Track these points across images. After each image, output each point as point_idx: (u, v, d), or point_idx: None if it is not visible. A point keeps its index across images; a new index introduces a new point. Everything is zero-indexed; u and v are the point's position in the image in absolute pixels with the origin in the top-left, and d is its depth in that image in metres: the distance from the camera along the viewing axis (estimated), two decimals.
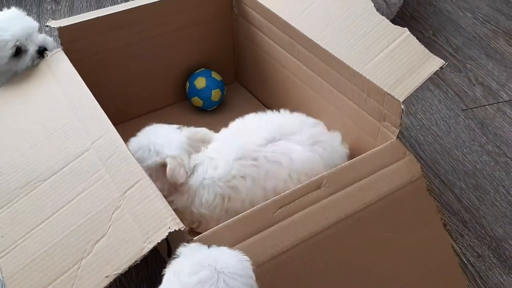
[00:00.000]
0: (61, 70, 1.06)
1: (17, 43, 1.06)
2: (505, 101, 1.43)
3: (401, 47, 0.98)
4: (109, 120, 0.93)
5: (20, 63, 1.08)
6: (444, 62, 0.94)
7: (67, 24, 1.12)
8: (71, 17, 1.16)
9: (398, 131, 0.95)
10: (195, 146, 1.04)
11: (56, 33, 1.12)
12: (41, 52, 1.09)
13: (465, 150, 1.29)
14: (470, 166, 1.24)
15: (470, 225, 1.11)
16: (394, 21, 1.65)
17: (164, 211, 0.78)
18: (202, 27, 1.30)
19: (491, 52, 1.60)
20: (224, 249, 0.70)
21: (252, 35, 1.28)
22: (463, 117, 1.38)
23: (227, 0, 1.30)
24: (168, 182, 1.00)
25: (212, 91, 1.29)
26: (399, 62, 0.96)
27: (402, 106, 0.91)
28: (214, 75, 1.32)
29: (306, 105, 1.18)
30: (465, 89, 1.47)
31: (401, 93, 0.92)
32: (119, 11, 1.17)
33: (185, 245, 0.70)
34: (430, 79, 1.43)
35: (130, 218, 0.79)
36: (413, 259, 0.91)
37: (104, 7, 1.78)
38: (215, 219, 1.01)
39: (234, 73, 1.44)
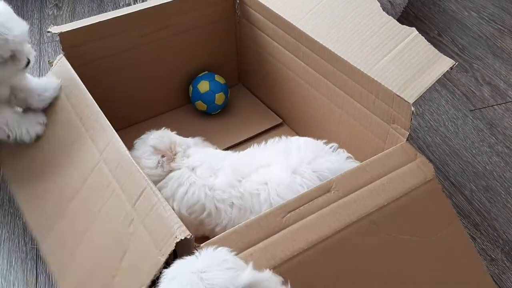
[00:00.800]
0: (64, 77, 1.05)
1: (13, 49, 0.92)
2: None
3: (410, 47, 0.96)
4: (111, 127, 0.92)
5: (5, 71, 0.94)
6: (454, 62, 0.92)
7: (69, 29, 1.10)
8: (72, 22, 1.14)
9: (408, 133, 0.93)
10: None
11: (57, 38, 1.10)
12: (27, 65, 0.97)
13: (474, 151, 1.26)
14: (480, 168, 1.22)
15: (482, 228, 1.09)
16: (399, 21, 1.63)
17: (169, 219, 0.77)
18: (204, 29, 1.29)
19: (497, 51, 1.58)
20: (198, 252, 0.68)
21: (255, 37, 1.26)
22: (471, 117, 1.36)
23: (230, 2, 1.28)
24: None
25: (216, 94, 1.28)
26: (408, 63, 0.94)
27: (412, 108, 0.90)
28: (218, 78, 1.30)
29: (312, 108, 1.17)
30: (472, 89, 1.45)
31: (411, 95, 0.90)
32: (120, 16, 1.16)
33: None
34: (436, 79, 1.41)
35: (143, 230, 0.79)
36: (434, 261, 0.89)
37: (106, 11, 1.77)
38: (190, 226, 0.98)
39: (237, 75, 1.42)
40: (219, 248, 0.68)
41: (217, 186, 0.96)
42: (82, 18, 1.72)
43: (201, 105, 1.29)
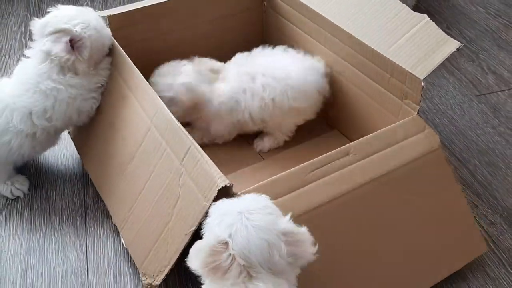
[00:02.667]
0: (114, 54, 1.18)
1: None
2: None
3: (421, 31, 1.08)
4: (159, 98, 1.04)
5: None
6: (461, 44, 1.03)
7: (116, 12, 1.22)
8: (119, 7, 1.26)
9: (419, 107, 1.05)
10: (206, 75, 1.22)
11: None
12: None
13: (478, 131, 1.38)
14: (483, 146, 1.34)
15: (483, 197, 1.21)
16: None
17: (211, 171, 0.88)
18: (234, 18, 1.40)
19: (502, 43, 1.70)
20: (243, 196, 0.81)
21: (281, 25, 1.38)
22: (476, 102, 1.48)
23: None
24: (182, 109, 1.19)
25: None
26: (419, 45, 1.06)
27: (423, 83, 1.02)
28: None
29: (333, 88, 1.28)
30: (478, 77, 1.57)
31: (421, 72, 1.03)
32: (159, 3, 1.27)
33: (214, 204, 0.81)
34: (445, 67, 1.54)
35: (191, 181, 0.91)
36: (433, 220, 1.01)
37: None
38: (226, 135, 1.25)
39: None
40: (261, 195, 0.81)
41: (228, 87, 1.22)
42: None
43: None
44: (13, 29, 1.80)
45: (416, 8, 1.79)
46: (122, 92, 1.12)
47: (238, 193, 0.87)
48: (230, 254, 0.72)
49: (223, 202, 0.80)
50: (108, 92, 1.16)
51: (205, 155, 0.91)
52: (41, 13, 1.88)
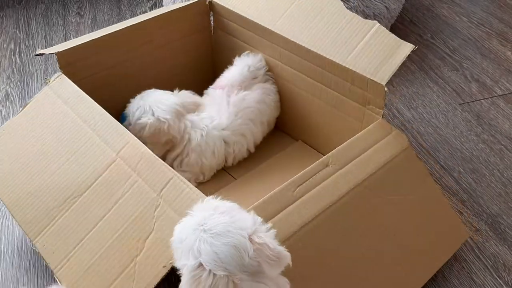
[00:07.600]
0: (66, 92, 1.11)
1: None
2: (499, 95, 1.54)
3: (375, 37, 1.07)
4: (128, 131, 0.99)
5: None
6: (415, 46, 1.03)
7: (64, 48, 1.16)
8: (67, 41, 1.21)
9: (383, 112, 1.05)
10: (188, 108, 1.21)
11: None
12: None
13: (462, 139, 1.40)
14: (467, 153, 1.35)
15: (468, 204, 1.21)
16: (394, 25, 1.78)
17: (200, 200, 0.82)
18: (182, 41, 1.35)
19: (485, 52, 1.72)
20: (191, 210, 0.77)
21: (231, 44, 1.34)
22: (460, 110, 1.50)
23: (205, 15, 1.35)
24: (159, 142, 1.16)
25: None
26: (375, 51, 1.06)
27: (386, 89, 1.01)
28: None
29: (292, 102, 1.27)
30: (462, 85, 1.58)
31: (382, 77, 1.02)
32: (109, 33, 1.21)
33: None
34: (429, 77, 1.56)
35: (172, 212, 0.86)
36: (415, 215, 1.01)
37: (124, 19, 1.90)
38: (214, 167, 1.21)
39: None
40: (206, 199, 0.78)
41: (226, 122, 1.21)
42: (103, 25, 1.87)
43: None
44: (2, 46, 1.82)
45: (400, 18, 1.82)
46: (76, 128, 1.05)
47: None
48: (208, 271, 0.70)
49: (176, 229, 0.76)
50: (58, 130, 1.07)
51: (192, 186, 0.88)
52: (30, 30, 1.89)
